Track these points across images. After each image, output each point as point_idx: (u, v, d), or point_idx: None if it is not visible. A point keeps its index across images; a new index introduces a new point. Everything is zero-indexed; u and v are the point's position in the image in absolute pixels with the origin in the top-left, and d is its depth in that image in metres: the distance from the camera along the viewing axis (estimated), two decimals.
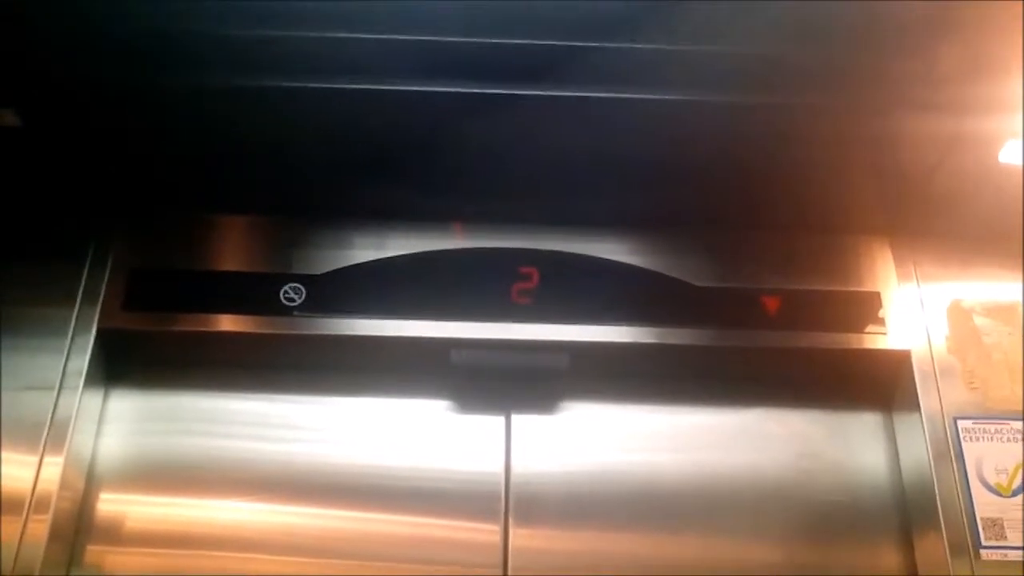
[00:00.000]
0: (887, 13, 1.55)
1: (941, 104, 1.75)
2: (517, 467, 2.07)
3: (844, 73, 1.70)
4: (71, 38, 1.65)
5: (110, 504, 2.01)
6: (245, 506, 2.02)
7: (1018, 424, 2.00)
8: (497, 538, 2.00)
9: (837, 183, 2.01)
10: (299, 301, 2.04)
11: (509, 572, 1.96)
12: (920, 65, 1.66)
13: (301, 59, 1.68)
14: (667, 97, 1.75)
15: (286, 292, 2.05)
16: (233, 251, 2.12)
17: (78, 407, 1.95)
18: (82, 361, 1.98)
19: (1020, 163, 1.88)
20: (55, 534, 1.86)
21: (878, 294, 2.12)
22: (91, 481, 2.01)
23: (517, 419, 2.12)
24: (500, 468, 2.07)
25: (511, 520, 2.01)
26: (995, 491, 1.94)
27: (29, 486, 1.86)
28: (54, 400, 1.94)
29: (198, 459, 2.05)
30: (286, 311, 2.03)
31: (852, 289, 2.13)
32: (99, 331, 2.01)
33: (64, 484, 1.90)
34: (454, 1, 1.57)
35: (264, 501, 2.02)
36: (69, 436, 1.92)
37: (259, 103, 1.78)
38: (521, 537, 2.00)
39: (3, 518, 1.83)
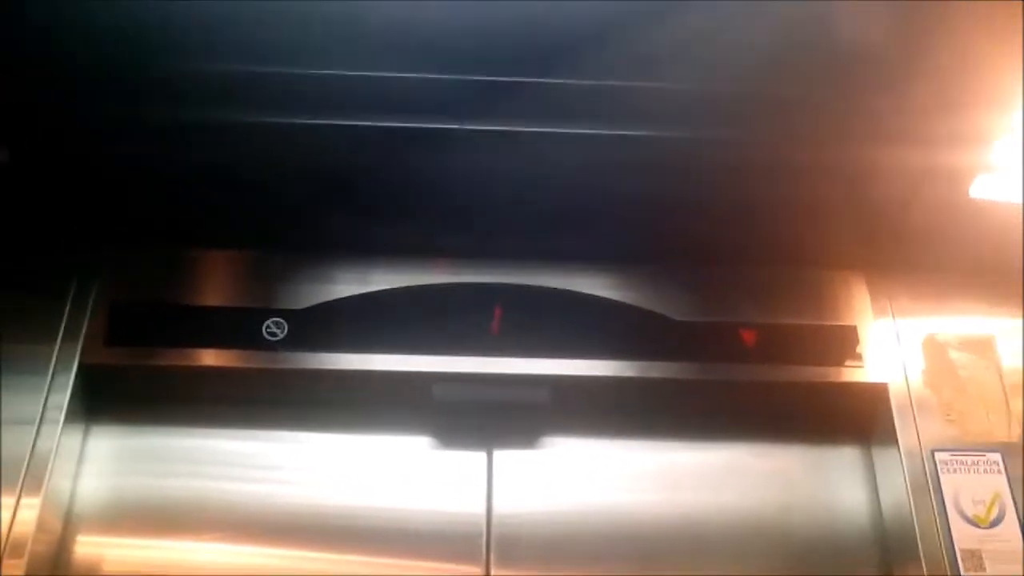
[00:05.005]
0: (859, 47, 1.59)
1: (913, 137, 1.78)
2: (499, 506, 2.06)
3: (817, 107, 1.73)
4: (56, 74, 1.65)
5: (88, 547, 1.98)
6: (225, 548, 1.99)
7: (995, 456, 2.02)
8: None
9: (813, 218, 2.04)
10: (281, 336, 2.04)
11: None
12: (892, 99, 1.69)
13: (283, 95, 1.70)
14: (645, 134, 1.78)
15: (268, 327, 2.05)
16: (215, 286, 2.12)
17: (57, 445, 1.91)
18: (62, 397, 1.95)
19: (991, 198, 1.92)
20: None
21: (855, 328, 2.15)
22: (69, 523, 1.97)
23: (499, 455, 2.11)
24: (482, 507, 2.05)
25: (492, 560, 1.99)
26: (973, 522, 1.95)
27: (4, 528, 1.81)
28: (33, 438, 1.91)
29: (179, 500, 2.03)
30: (269, 346, 2.03)
31: (829, 323, 2.15)
32: (80, 366, 1.99)
33: (41, 527, 1.86)
34: (434, 36, 1.59)
35: (244, 543, 2.00)
36: (47, 476, 1.89)
37: (239, 138, 1.79)
38: None
39: None
